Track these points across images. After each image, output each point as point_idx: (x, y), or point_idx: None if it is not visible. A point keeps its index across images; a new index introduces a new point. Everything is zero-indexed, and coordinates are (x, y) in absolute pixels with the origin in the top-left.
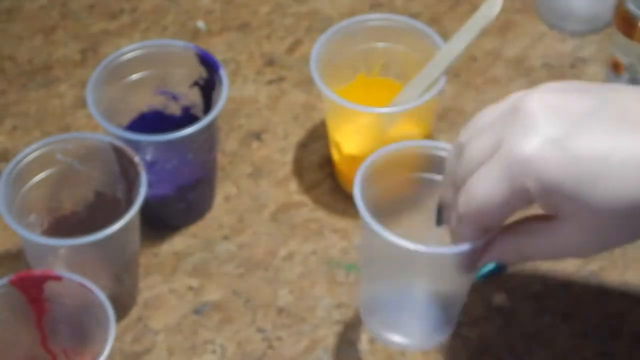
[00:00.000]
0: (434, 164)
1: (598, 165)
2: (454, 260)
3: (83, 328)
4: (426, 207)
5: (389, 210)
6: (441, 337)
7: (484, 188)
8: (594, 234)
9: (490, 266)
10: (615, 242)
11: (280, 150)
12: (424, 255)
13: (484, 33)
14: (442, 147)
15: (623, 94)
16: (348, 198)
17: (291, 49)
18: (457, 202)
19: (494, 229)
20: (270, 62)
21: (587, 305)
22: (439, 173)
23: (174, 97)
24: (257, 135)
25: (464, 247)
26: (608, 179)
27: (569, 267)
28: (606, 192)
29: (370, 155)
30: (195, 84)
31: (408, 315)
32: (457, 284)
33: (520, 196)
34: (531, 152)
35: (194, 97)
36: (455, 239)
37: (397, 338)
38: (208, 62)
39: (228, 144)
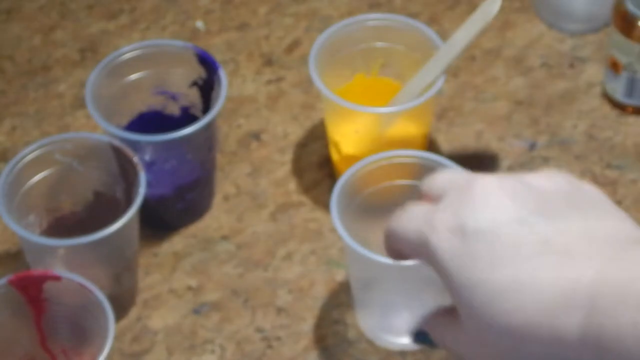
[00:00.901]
0: (417, 171)
1: (484, 275)
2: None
3: (83, 328)
4: None
5: (383, 211)
6: None
7: (402, 220)
8: (476, 339)
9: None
10: None
11: (279, 150)
12: (400, 267)
13: (483, 32)
14: (414, 156)
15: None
16: None
17: (290, 49)
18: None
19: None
20: (269, 62)
21: None
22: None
23: (173, 97)
24: (257, 135)
25: None
26: (490, 294)
27: None
28: (485, 306)
29: (353, 166)
30: (195, 84)
31: (401, 315)
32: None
33: (422, 255)
34: (442, 228)
35: (193, 97)
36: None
37: (393, 338)
38: (207, 62)
39: (227, 144)
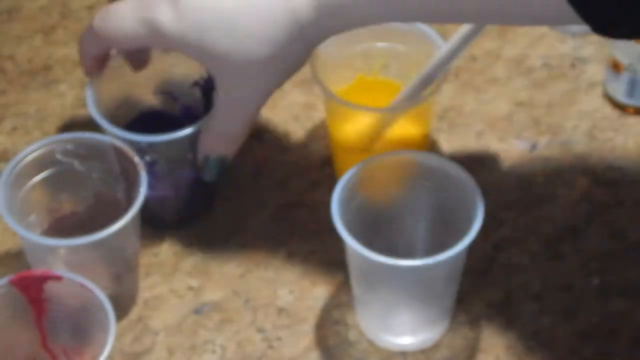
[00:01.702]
0: (419, 170)
1: (214, 18)
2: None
3: (83, 328)
4: (419, 209)
5: (384, 212)
6: (438, 335)
7: (117, 14)
8: (235, 84)
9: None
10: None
11: (280, 150)
12: (402, 268)
13: (484, 33)
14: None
15: None
16: None
17: None
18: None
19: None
20: None
21: (587, 305)
22: (425, 179)
23: (174, 97)
24: (258, 135)
25: (439, 257)
26: (224, 29)
27: (569, 267)
28: (223, 42)
29: (352, 168)
30: (196, 84)
31: (402, 315)
32: (445, 282)
33: (148, 40)
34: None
35: (195, 96)
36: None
37: (394, 339)
38: None
39: None
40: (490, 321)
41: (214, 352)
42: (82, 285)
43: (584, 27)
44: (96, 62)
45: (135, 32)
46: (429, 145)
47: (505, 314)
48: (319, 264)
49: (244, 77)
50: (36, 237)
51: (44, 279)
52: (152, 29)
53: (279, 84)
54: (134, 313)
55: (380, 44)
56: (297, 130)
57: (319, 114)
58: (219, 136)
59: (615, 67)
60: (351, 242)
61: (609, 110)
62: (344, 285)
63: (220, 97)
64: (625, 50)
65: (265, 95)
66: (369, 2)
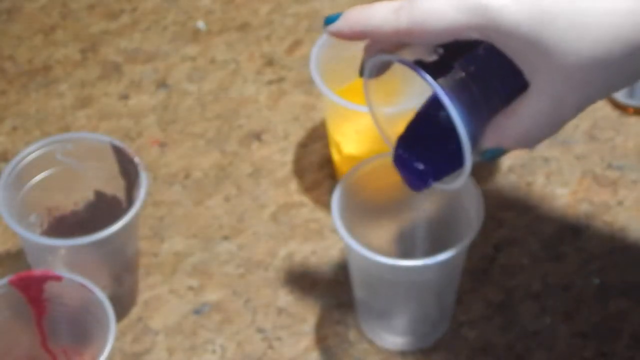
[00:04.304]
0: None
1: (561, 6)
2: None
3: (83, 328)
4: (419, 209)
5: (384, 210)
6: (438, 335)
7: (435, 6)
8: (562, 89)
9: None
10: (592, 97)
11: (280, 151)
12: (402, 268)
13: None
14: None
15: None
16: None
17: (291, 49)
18: (395, 19)
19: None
20: (270, 62)
21: (587, 305)
22: None
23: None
24: (257, 136)
25: (440, 257)
26: (571, 20)
27: (569, 267)
28: (568, 35)
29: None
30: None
31: (402, 315)
32: (444, 282)
33: (471, 29)
34: None
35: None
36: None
37: (394, 339)
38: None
39: (228, 144)
40: (490, 321)
41: (214, 352)
42: (82, 285)
43: None
44: (383, 66)
45: (456, 22)
46: None
47: (505, 314)
48: (319, 264)
49: (579, 79)
50: (36, 237)
51: (44, 279)
52: (479, 16)
53: (608, 92)
54: (134, 313)
55: None
56: (297, 131)
57: (319, 114)
58: (517, 138)
59: None
60: (351, 242)
61: (609, 110)
62: (344, 285)
63: (540, 98)
64: None
65: (590, 104)
66: None
